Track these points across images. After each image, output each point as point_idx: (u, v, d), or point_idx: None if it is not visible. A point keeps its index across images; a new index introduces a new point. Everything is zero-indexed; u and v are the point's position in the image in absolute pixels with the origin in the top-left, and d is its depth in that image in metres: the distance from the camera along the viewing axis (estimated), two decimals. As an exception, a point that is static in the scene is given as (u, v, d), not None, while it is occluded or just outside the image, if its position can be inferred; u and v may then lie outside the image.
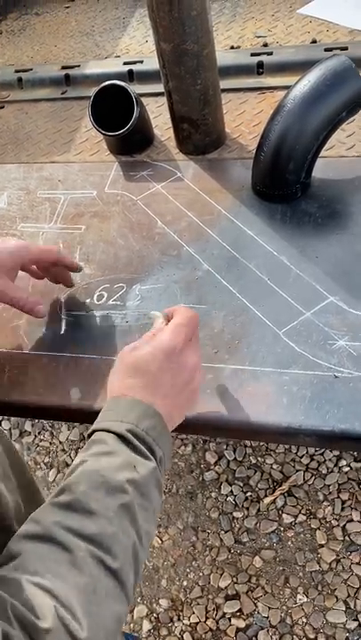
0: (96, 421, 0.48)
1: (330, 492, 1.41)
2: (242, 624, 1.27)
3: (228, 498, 1.44)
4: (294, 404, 0.57)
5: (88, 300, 0.70)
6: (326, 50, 0.92)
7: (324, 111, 0.68)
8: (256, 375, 0.60)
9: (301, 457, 1.47)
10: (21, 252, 0.62)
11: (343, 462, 1.45)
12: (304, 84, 0.69)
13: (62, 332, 0.68)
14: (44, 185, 0.86)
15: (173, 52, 0.72)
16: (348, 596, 1.27)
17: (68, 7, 1.29)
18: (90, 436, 0.47)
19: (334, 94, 0.68)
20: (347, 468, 1.44)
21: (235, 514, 1.42)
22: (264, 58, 0.94)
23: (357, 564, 1.31)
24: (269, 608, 1.28)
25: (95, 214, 0.80)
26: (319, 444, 0.58)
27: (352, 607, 1.25)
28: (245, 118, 0.89)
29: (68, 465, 1.58)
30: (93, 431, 0.47)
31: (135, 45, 1.10)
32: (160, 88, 0.86)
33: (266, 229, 0.73)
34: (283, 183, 0.73)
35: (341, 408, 0.55)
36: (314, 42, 0.99)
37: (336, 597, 1.27)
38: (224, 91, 0.93)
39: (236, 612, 1.29)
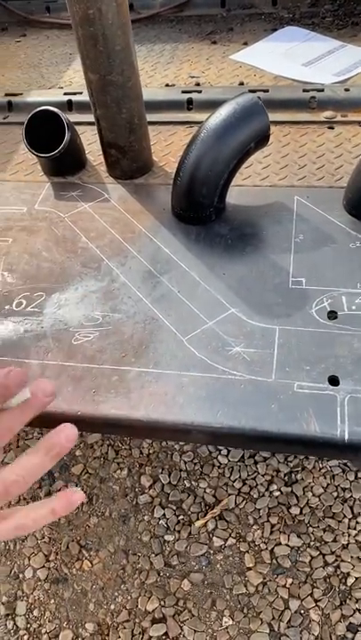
0: None
1: (260, 516, 1.44)
2: (166, 647, 1.27)
3: (161, 521, 1.46)
4: (189, 404, 0.61)
5: (7, 307, 0.73)
6: (250, 91, 1.00)
7: (233, 142, 0.75)
8: (158, 377, 0.64)
9: (234, 481, 1.51)
10: None
11: (274, 487, 1.48)
12: (216, 117, 0.76)
13: (-21, 335, 0.70)
14: (-23, 201, 0.90)
15: (99, 82, 0.78)
16: (273, 618, 1.29)
17: (19, 41, 1.35)
18: None
19: (243, 127, 0.75)
20: (277, 493, 1.47)
21: (166, 537, 1.43)
22: (194, 95, 1.02)
23: (283, 586, 1.33)
24: (195, 631, 1.28)
25: (23, 228, 0.84)
26: (210, 440, 0.62)
27: (276, 629, 1.27)
28: (173, 148, 0.95)
29: None
30: None
31: (78, 78, 1.17)
32: (95, 117, 0.92)
33: (181, 248, 0.78)
34: (197, 206, 0.79)
35: (231, 407, 0.60)
36: (241, 84, 1.07)
37: (261, 620, 1.29)
38: (156, 123, 1.00)
39: (162, 635, 1.28)
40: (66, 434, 0.43)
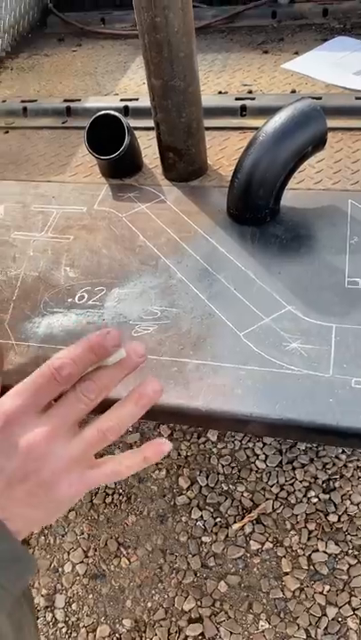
0: None
1: (297, 522, 1.44)
2: (202, 646, 1.28)
3: (198, 522, 1.47)
4: (248, 396, 0.63)
5: (70, 300, 0.76)
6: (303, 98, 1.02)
7: (291, 145, 0.77)
8: (216, 369, 0.66)
9: (272, 486, 1.51)
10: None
11: (312, 493, 1.48)
12: (275, 121, 0.78)
13: (43, 325, 0.74)
14: (38, 200, 0.94)
15: (162, 87, 0.81)
16: (310, 624, 1.28)
17: (75, 51, 1.41)
18: None
19: (301, 131, 0.77)
20: (315, 499, 1.47)
21: (203, 538, 1.44)
22: (247, 102, 1.04)
23: (321, 593, 1.33)
24: (231, 633, 1.29)
25: (83, 227, 0.87)
26: (267, 431, 0.64)
27: (313, 636, 1.27)
28: (227, 153, 0.98)
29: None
30: None
31: (133, 86, 1.21)
32: (151, 123, 0.95)
33: (236, 248, 0.80)
34: (253, 207, 0.81)
35: (290, 400, 0.61)
36: (293, 91, 1.10)
37: (298, 625, 1.28)
38: (210, 129, 1.02)
39: (199, 635, 1.29)
40: (152, 386, 0.46)
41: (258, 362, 0.65)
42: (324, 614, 1.29)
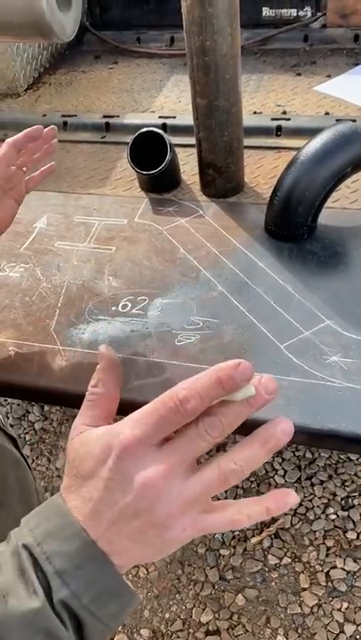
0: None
1: (316, 538, 1.45)
2: (220, 659, 1.28)
3: (217, 535, 1.48)
4: (290, 405, 0.64)
5: (113, 308, 0.79)
6: (337, 120, 1.05)
7: (331, 166, 0.80)
8: (258, 380, 0.68)
9: (290, 501, 1.51)
10: None
11: (331, 510, 1.49)
12: (316, 142, 0.81)
13: (88, 331, 0.76)
14: (80, 211, 0.97)
15: (207, 107, 0.84)
16: (328, 641, 1.28)
17: (111, 68, 1.45)
18: None
19: (341, 152, 0.80)
20: (333, 516, 1.48)
21: (221, 551, 1.44)
22: (283, 122, 1.08)
23: (339, 610, 1.33)
24: (249, 646, 1.29)
25: (125, 238, 0.90)
26: (309, 441, 0.65)
27: (331, 652, 1.27)
28: (263, 171, 1.01)
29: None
30: None
31: (169, 104, 1.25)
32: (189, 140, 0.99)
33: (274, 263, 0.83)
34: (291, 224, 0.84)
35: (331, 411, 0.63)
36: (327, 114, 1.13)
37: (315, 641, 1.28)
38: (247, 147, 1.05)
39: (216, 647, 1.30)
40: (282, 427, 0.40)
41: (299, 373, 0.67)
42: (342, 631, 1.29)
